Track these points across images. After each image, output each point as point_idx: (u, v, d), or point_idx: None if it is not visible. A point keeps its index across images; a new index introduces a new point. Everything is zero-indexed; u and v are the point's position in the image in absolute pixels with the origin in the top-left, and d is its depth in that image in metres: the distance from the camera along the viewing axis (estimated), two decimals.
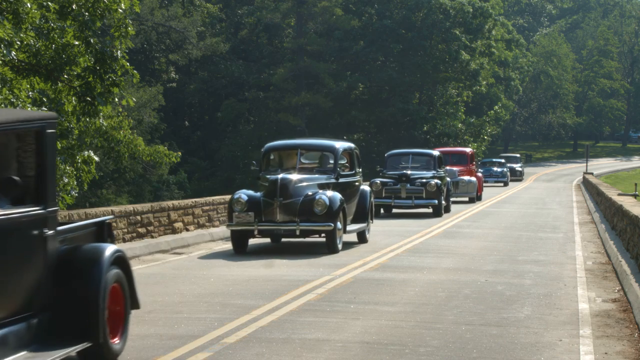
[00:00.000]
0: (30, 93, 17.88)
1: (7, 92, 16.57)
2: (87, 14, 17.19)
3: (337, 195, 16.73)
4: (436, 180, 26.76)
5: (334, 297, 11.43)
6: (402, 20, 68.12)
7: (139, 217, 16.71)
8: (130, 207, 16.69)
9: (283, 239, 18.45)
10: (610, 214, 21.73)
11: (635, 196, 28.20)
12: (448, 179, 28.85)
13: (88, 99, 17.67)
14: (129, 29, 17.52)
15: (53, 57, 17.33)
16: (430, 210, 27.50)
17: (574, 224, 25.33)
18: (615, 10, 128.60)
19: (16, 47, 16.40)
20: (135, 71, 18.05)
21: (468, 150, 38.75)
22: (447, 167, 33.10)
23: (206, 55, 65.60)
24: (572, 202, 37.72)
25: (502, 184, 55.99)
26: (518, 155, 71.52)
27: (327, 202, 16.36)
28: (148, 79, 60.05)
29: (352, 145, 19.28)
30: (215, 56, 67.45)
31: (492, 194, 42.19)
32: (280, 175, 16.60)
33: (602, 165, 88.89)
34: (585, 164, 72.47)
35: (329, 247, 16.54)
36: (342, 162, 18.41)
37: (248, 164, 66.25)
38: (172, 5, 63.04)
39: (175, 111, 67.67)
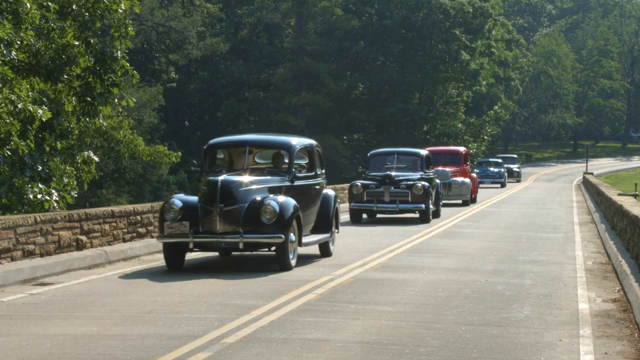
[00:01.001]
0: (30, 93, 17.89)
1: (8, 91, 16.58)
2: (87, 14, 17.22)
3: (290, 201, 14.17)
4: (423, 183, 24.33)
5: (334, 297, 11.42)
6: (402, 20, 68.15)
7: (139, 217, 16.71)
8: (130, 207, 16.69)
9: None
10: (610, 214, 21.73)
11: (635, 196, 28.20)
12: (437, 180, 26.77)
13: (88, 99, 17.69)
14: (129, 29, 17.54)
15: (53, 57, 17.34)
16: (417, 215, 25.08)
17: (574, 224, 25.33)
18: (615, 10, 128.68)
19: (16, 47, 16.41)
20: (135, 71, 18.07)
21: (462, 149, 36.23)
22: (440, 168, 32.04)
23: (206, 55, 65.63)
24: (572, 202, 37.72)
25: (499, 185, 54.38)
26: (515, 155, 70.27)
27: (277, 209, 13.79)
28: (148, 79, 60.06)
29: (312, 142, 16.61)
30: (215, 56, 67.48)
31: (488, 196, 40.32)
32: (221, 177, 13.92)
33: (602, 165, 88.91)
34: (585, 164, 72.49)
35: (280, 263, 14.01)
36: (300, 161, 15.98)
37: None
38: (172, 5, 63.05)
39: (175, 111, 67.68)
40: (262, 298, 11.19)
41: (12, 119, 16.51)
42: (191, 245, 13.82)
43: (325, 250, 16.07)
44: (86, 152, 20.99)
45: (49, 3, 17.13)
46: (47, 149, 19.23)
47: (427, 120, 67.62)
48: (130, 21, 17.89)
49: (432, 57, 68.31)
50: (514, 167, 63.79)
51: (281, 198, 14.11)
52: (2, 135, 16.77)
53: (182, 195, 14.26)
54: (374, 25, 68.10)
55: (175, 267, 14.09)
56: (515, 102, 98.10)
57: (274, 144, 16.11)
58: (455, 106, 69.92)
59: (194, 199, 14.02)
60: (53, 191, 18.49)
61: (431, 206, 24.58)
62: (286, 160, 15.37)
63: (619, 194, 25.76)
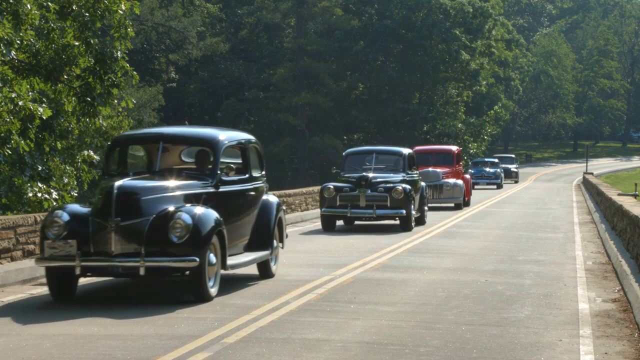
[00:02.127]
0: (30, 93, 17.91)
1: (8, 90, 16.59)
2: (87, 14, 17.22)
3: (210, 213, 10.99)
4: (405, 185, 21.63)
5: (334, 297, 11.42)
6: (402, 20, 68.15)
7: None
8: None
9: None
10: (610, 214, 21.74)
11: (635, 196, 28.20)
12: (423, 183, 23.91)
13: (88, 99, 17.69)
14: (129, 30, 17.54)
15: (53, 57, 17.35)
16: (397, 222, 22.26)
17: (574, 224, 25.33)
18: (615, 10, 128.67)
19: (16, 47, 16.42)
20: (135, 72, 18.07)
21: (454, 148, 33.96)
22: (430, 169, 30.59)
23: (206, 55, 65.63)
24: (572, 202, 37.72)
25: (494, 186, 51.93)
26: (513, 155, 68.24)
27: (190, 224, 10.63)
28: (148, 79, 60.06)
29: (248, 137, 13.32)
30: (215, 56, 67.48)
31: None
32: (118, 182, 10.77)
33: (602, 165, 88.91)
34: (585, 164, 72.48)
35: (195, 292, 10.92)
36: (230, 161, 12.66)
37: None
38: (172, 5, 63.06)
39: (175, 111, 67.68)
40: (262, 298, 11.19)
41: (12, 117, 16.50)
42: (78, 271, 10.66)
43: (265, 271, 13.03)
44: (86, 152, 21.01)
45: (49, 3, 17.13)
46: (47, 149, 19.24)
47: (427, 120, 67.62)
48: (130, 22, 17.90)
49: (432, 57, 68.31)
50: (512, 167, 61.60)
51: (198, 209, 10.92)
52: (3, 134, 16.78)
53: (73, 206, 11.12)
54: (374, 25, 68.09)
55: (64, 295, 11.03)
56: (515, 102, 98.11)
57: (194, 139, 12.80)
58: (455, 106, 69.92)
59: (86, 210, 10.90)
60: (52, 190, 18.50)
61: (413, 212, 21.92)
62: (211, 159, 12.09)
63: (619, 194, 25.76)
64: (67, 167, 20.00)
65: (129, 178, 11.19)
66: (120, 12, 17.32)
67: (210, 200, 11.58)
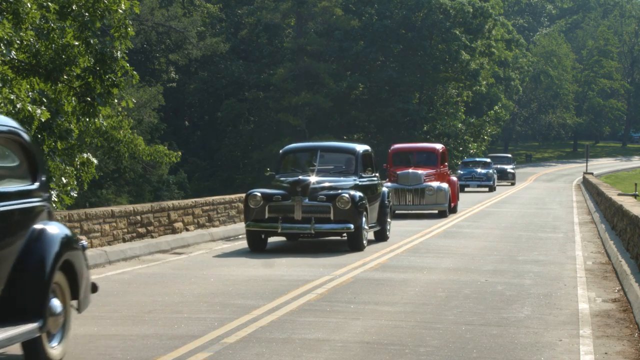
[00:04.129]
0: (30, 93, 17.90)
1: (7, 91, 16.58)
2: (87, 14, 17.21)
3: None
4: (354, 192, 16.94)
5: (334, 297, 11.43)
6: (402, 21, 68.16)
7: (139, 217, 16.71)
8: (130, 207, 16.69)
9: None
10: (610, 214, 21.73)
11: (635, 196, 28.21)
12: (384, 188, 19.68)
13: (88, 99, 17.69)
14: (129, 29, 17.54)
15: (53, 57, 17.34)
16: (345, 237, 17.39)
17: (574, 224, 25.33)
18: (615, 10, 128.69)
19: (16, 46, 16.42)
20: (135, 72, 18.06)
21: (438, 147, 29.70)
22: (410, 170, 26.99)
23: (206, 55, 65.65)
24: (572, 202, 37.72)
25: (486, 189, 47.02)
26: (510, 155, 63.32)
27: None
28: (148, 79, 60.06)
29: (15, 126, 7.72)
30: (215, 56, 67.50)
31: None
32: None
33: (602, 165, 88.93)
34: (585, 164, 72.47)
35: None
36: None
37: (248, 164, 66.41)
38: (172, 5, 63.05)
39: (175, 111, 67.72)
40: (262, 298, 11.19)
41: (11, 119, 16.45)
42: None
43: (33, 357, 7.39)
44: (85, 154, 20.99)
45: (49, 3, 17.13)
46: (46, 149, 19.24)
47: (427, 120, 67.64)
48: (130, 21, 17.88)
49: (432, 57, 68.32)
50: (508, 167, 56.00)
51: None
52: None
53: None
54: (374, 26, 68.10)
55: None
56: (515, 102, 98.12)
57: None
58: (455, 106, 69.94)
59: None
60: (52, 192, 18.50)
61: (366, 226, 17.24)
62: None
63: (619, 194, 25.76)
64: (67, 168, 19.99)
65: None
66: (120, 11, 17.31)
67: None
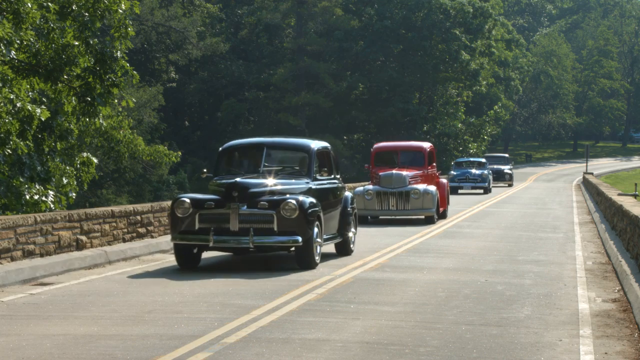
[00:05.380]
0: (30, 93, 17.92)
1: (7, 91, 16.60)
2: (87, 14, 17.22)
3: None
4: (303, 198, 14.10)
5: (334, 297, 11.42)
6: (402, 21, 68.18)
7: (139, 217, 16.71)
8: (130, 207, 16.68)
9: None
10: (610, 214, 21.73)
11: (635, 196, 28.20)
12: (348, 193, 16.76)
13: (88, 99, 17.70)
14: (129, 29, 17.55)
15: (53, 57, 17.35)
16: (293, 252, 14.66)
17: (574, 224, 25.32)
18: (615, 10, 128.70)
19: (16, 46, 16.43)
20: (135, 72, 18.08)
21: (426, 145, 26.68)
22: (394, 171, 24.45)
23: (206, 55, 65.67)
24: (572, 202, 37.72)
25: (481, 191, 44.56)
26: (507, 155, 60.51)
27: None
28: (148, 79, 60.08)
29: None
30: (215, 56, 67.52)
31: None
32: None
33: (602, 165, 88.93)
34: (585, 164, 72.46)
35: None
36: None
37: None
38: (172, 5, 63.07)
39: (175, 111, 67.72)
40: (262, 298, 11.19)
41: (11, 118, 16.50)
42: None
43: None
44: (85, 154, 21.01)
45: (49, 3, 17.14)
46: (46, 149, 19.25)
47: (427, 120, 67.66)
48: (130, 21, 17.90)
49: (432, 57, 68.33)
50: (505, 168, 53.10)
51: None
52: (2, 135, 16.79)
53: None
54: (374, 26, 68.13)
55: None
56: (515, 102, 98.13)
57: None
58: (455, 106, 69.96)
59: None
60: (50, 192, 18.50)
61: (318, 239, 14.39)
62: None
63: (619, 194, 25.76)
64: (67, 168, 20.00)
65: None
66: (121, 11, 17.32)
67: None
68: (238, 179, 14.20)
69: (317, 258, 14.33)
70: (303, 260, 14.18)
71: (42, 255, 13.46)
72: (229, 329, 9.21)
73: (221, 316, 9.94)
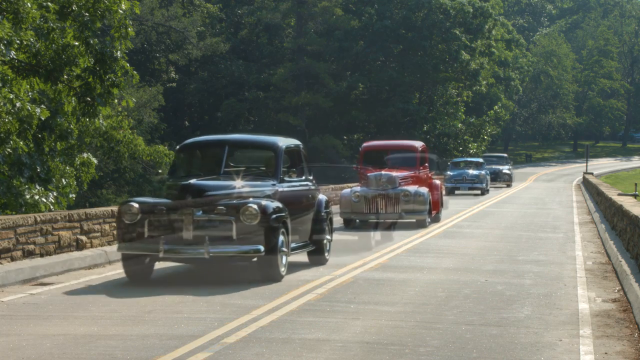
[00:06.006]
0: (30, 93, 17.91)
1: (7, 91, 16.60)
2: (87, 14, 17.22)
3: None
4: (267, 202, 12.67)
5: (334, 297, 11.42)
6: (402, 21, 68.16)
7: None
8: None
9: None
10: (610, 214, 21.73)
11: (635, 196, 28.20)
12: (321, 196, 15.27)
13: (88, 99, 17.70)
14: (129, 29, 17.55)
15: (53, 57, 17.35)
16: (254, 261, 13.05)
17: (574, 224, 25.33)
18: (615, 10, 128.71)
19: (16, 47, 16.42)
20: (135, 72, 18.07)
21: (418, 145, 25.33)
22: (384, 172, 23.11)
23: (206, 55, 65.64)
24: (572, 202, 37.72)
25: (478, 192, 42.90)
26: (506, 155, 59.06)
27: None
28: (148, 79, 60.07)
29: None
30: (215, 56, 67.49)
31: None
32: None
33: (602, 165, 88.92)
34: (585, 164, 72.44)
35: None
36: None
37: None
38: (172, 5, 63.05)
39: (175, 111, 67.69)
40: (262, 298, 11.19)
41: (10, 118, 16.50)
42: None
43: None
44: (85, 154, 21.00)
45: (49, 3, 17.14)
46: (47, 149, 19.25)
47: (427, 120, 67.64)
48: (130, 21, 17.89)
49: (432, 57, 68.31)
50: (504, 168, 51.90)
51: None
52: (2, 135, 16.79)
53: None
54: (374, 26, 68.10)
55: None
56: (515, 102, 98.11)
57: None
58: (455, 106, 69.94)
59: None
60: (50, 193, 18.49)
61: (284, 248, 12.98)
62: None
63: (619, 194, 25.76)
64: (67, 168, 20.00)
65: None
66: (121, 11, 17.32)
67: None
68: (193, 181, 12.63)
69: (282, 269, 12.84)
70: (266, 272, 12.71)
71: (42, 255, 13.46)
72: (229, 329, 9.21)
73: (221, 316, 9.94)
